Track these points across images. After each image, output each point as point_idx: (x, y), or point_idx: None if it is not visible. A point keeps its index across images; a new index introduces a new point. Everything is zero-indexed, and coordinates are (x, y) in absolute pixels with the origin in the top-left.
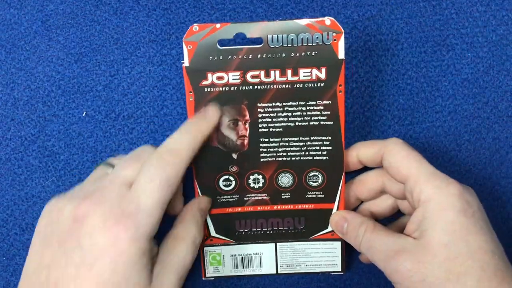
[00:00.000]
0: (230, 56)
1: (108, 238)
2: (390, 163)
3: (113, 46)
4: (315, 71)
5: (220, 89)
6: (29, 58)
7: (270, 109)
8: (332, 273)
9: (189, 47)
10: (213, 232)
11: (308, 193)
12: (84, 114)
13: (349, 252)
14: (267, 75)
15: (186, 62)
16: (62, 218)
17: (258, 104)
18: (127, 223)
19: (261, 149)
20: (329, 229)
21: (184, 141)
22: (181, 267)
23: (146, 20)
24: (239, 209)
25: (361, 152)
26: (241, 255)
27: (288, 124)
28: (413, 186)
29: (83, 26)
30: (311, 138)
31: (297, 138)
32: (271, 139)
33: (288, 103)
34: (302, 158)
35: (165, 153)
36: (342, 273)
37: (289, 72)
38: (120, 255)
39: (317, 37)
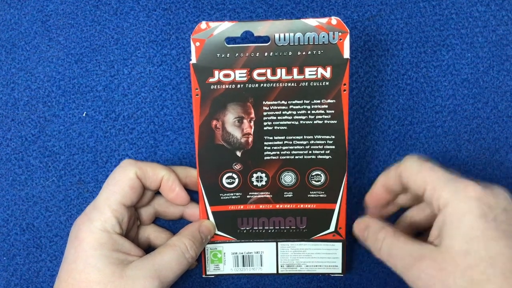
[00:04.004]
0: (237, 54)
1: (75, 232)
2: (407, 178)
3: (113, 46)
4: (320, 70)
5: (227, 86)
6: (29, 58)
7: (275, 107)
8: (332, 275)
9: (197, 44)
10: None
11: (311, 192)
12: (84, 115)
13: (349, 254)
14: (274, 73)
15: (193, 59)
16: None
17: (264, 102)
18: (84, 219)
19: (265, 147)
20: (331, 229)
21: (147, 161)
22: (163, 271)
23: (146, 20)
24: (242, 206)
25: (384, 182)
26: (242, 253)
27: (293, 122)
28: (431, 194)
29: (83, 26)
30: (315, 137)
31: (301, 137)
32: (275, 137)
33: (293, 102)
34: (305, 157)
35: (123, 161)
36: (342, 275)
37: (295, 70)
38: (80, 243)
39: (323, 36)
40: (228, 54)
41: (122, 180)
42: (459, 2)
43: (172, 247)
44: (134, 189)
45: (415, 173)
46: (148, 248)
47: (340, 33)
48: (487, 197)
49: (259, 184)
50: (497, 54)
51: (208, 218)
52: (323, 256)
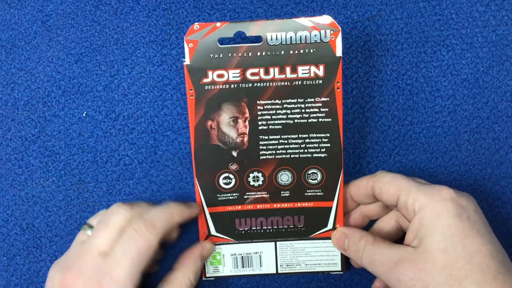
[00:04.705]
0: (230, 54)
1: None
2: (380, 188)
3: (113, 46)
4: (313, 69)
5: (220, 86)
6: (29, 58)
7: (270, 107)
8: (332, 273)
9: (190, 45)
10: (213, 231)
11: (308, 191)
12: (84, 114)
13: None
14: (267, 72)
15: (187, 60)
16: None
17: (258, 102)
18: None
19: (260, 147)
20: (329, 227)
21: (161, 217)
22: None
23: (146, 20)
24: (239, 207)
25: (352, 192)
26: (241, 254)
27: (287, 121)
28: (405, 199)
29: (83, 26)
30: (310, 135)
31: (296, 136)
32: (270, 137)
33: (287, 100)
34: (301, 155)
35: (141, 226)
36: (341, 272)
37: (288, 69)
38: None
39: (315, 35)
40: (221, 55)
41: (147, 253)
42: (459, 2)
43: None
44: (155, 254)
45: (388, 182)
46: None
47: (332, 31)
48: (459, 199)
49: (256, 184)
50: (497, 54)
51: (206, 220)
52: (322, 254)
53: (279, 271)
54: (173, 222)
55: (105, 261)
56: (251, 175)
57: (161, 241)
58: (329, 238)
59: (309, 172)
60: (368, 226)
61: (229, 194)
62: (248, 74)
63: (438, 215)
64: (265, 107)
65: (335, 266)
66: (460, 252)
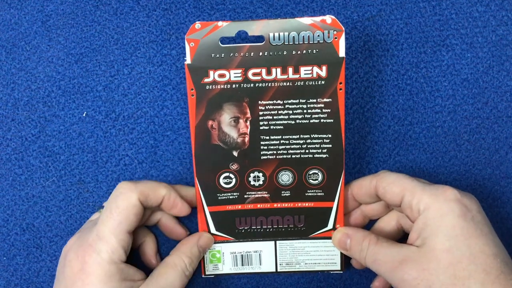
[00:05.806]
0: (231, 54)
1: (79, 264)
2: (384, 187)
3: (113, 46)
4: (316, 69)
5: (222, 86)
6: (29, 58)
7: (271, 107)
8: (332, 272)
9: (191, 44)
10: (213, 230)
11: (308, 191)
12: (84, 115)
13: None
14: (269, 72)
15: (188, 60)
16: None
17: (259, 102)
18: (90, 250)
19: (261, 147)
20: (329, 227)
21: (145, 182)
22: None
23: (146, 20)
24: (239, 206)
25: (354, 191)
26: (240, 252)
27: (289, 121)
28: (410, 199)
29: (83, 26)
30: (312, 136)
31: (298, 136)
32: (271, 137)
33: (289, 101)
34: (302, 156)
35: (123, 186)
36: (341, 271)
37: (290, 70)
38: (88, 277)
39: (318, 35)
40: (223, 54)
41: (127, 208)
42: (459, 2)
43: (173, 267)
44: (138, 215)
45: (393, 181)
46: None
47: (335, 32)
48: (464, 200)
49: (257, 184)
50: (497, 54)
51: (206, 219)
52: (322, 254)
53: (278, 270)
54: (156, 189)
55: (95, 224)
56: (251, 175)
57: (143, 202)
58: (329, 238)
59: (310, 173)
60: (367, 226)
61: (229, 194)
62: (250, 74)
63: (443, 216)
64: (267, 108)
65: (335, 265)
66: (464, 252)
